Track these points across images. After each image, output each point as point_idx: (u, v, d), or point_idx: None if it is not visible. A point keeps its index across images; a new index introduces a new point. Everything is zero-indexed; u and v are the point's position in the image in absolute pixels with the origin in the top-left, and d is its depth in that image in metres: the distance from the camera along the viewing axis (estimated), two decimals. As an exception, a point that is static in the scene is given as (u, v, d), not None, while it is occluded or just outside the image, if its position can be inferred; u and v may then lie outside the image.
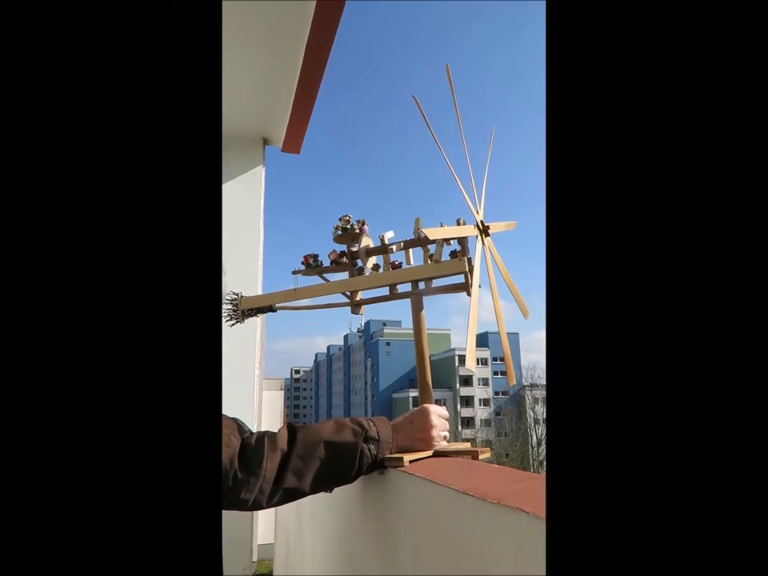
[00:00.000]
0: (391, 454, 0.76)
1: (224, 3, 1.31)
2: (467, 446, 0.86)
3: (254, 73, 1.92)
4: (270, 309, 1.03)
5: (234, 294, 1.04)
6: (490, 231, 0.93)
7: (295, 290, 0.99)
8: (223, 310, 1.00)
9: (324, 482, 0.74)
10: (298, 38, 1.75)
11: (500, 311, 0.90)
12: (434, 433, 0.80)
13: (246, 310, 1.03)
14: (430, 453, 0.80)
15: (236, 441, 0.69)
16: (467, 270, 0.87)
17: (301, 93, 2.05)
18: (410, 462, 0.75)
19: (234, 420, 0.74)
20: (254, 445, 0.70)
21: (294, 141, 2.42)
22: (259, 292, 1.99)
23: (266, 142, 2.38)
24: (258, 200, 2.29)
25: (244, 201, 2.25)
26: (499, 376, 43.32)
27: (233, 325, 1.03)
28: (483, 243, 0.91)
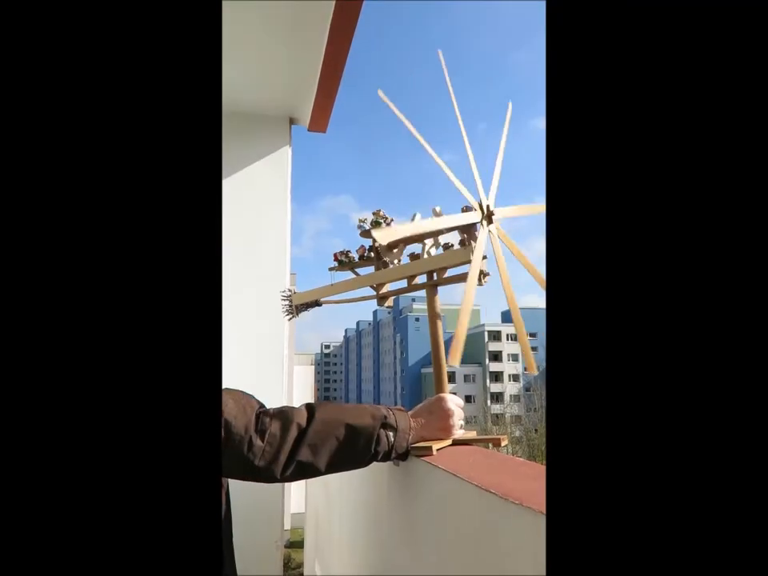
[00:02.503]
0: (408, 444, 0.77)
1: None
2: (474, 434, 0.87)
3: (279, 51, 1.91)
4: (317, 303, 1.16)
5: (289, 290, 1.20)
6: (494, 217, 0.91)
7: (332, 285, 1.10)
8: (281, 306, 1.20)
9: (338, 462, 0.74)
10: (323, 15, 1.73)
11: (513, 298, 0.87)
12: (453, 421, 0.81)
13: (298, 305, 1.17)
14: (449, 441, 0.81)
15: (251, 410, 0.71)
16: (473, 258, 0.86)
17: (326, 71, 2.03)
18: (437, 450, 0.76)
19: (250, 396, 0.76)
20: (271, 415, 0.72)
21: (320, 119, 2.41)
22: (287, 274, 2.01)
23: (292, 121, 2.37)
24: (285, 180, 2.29)
25: (271, 181, 2.26)
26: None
27: (290, 319, 1.20)
28: (489, 230, 0.90)
